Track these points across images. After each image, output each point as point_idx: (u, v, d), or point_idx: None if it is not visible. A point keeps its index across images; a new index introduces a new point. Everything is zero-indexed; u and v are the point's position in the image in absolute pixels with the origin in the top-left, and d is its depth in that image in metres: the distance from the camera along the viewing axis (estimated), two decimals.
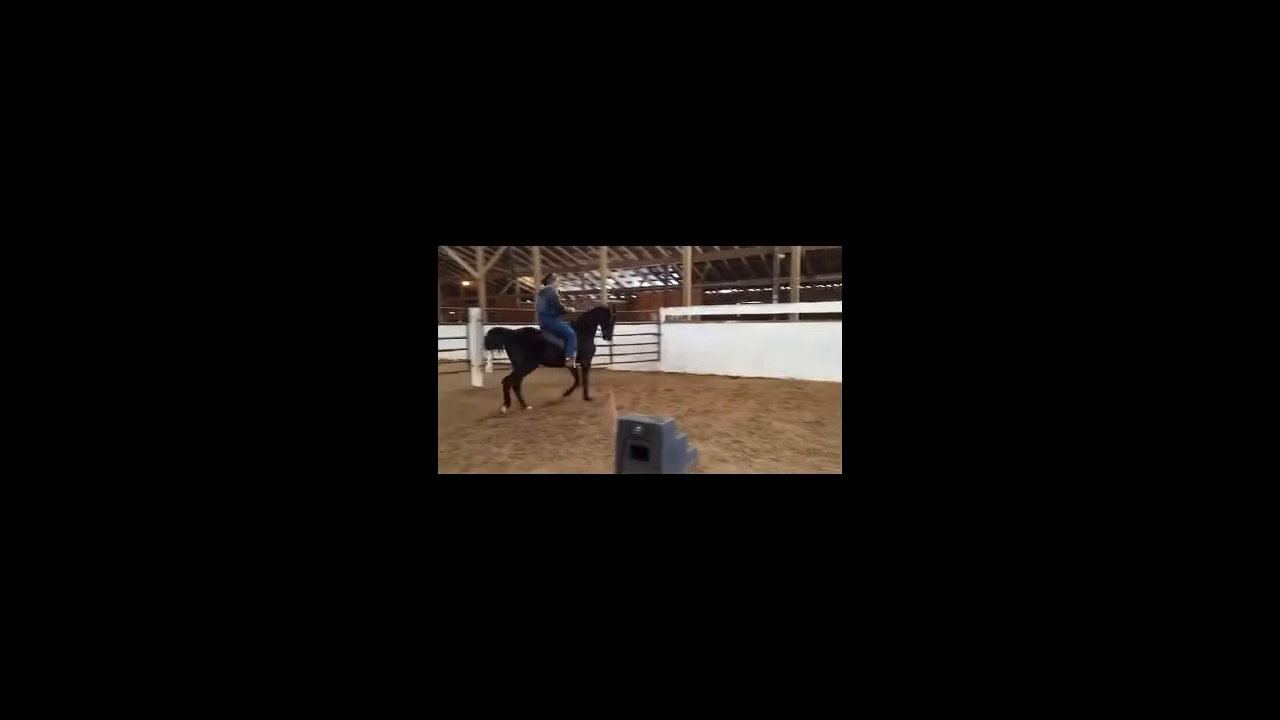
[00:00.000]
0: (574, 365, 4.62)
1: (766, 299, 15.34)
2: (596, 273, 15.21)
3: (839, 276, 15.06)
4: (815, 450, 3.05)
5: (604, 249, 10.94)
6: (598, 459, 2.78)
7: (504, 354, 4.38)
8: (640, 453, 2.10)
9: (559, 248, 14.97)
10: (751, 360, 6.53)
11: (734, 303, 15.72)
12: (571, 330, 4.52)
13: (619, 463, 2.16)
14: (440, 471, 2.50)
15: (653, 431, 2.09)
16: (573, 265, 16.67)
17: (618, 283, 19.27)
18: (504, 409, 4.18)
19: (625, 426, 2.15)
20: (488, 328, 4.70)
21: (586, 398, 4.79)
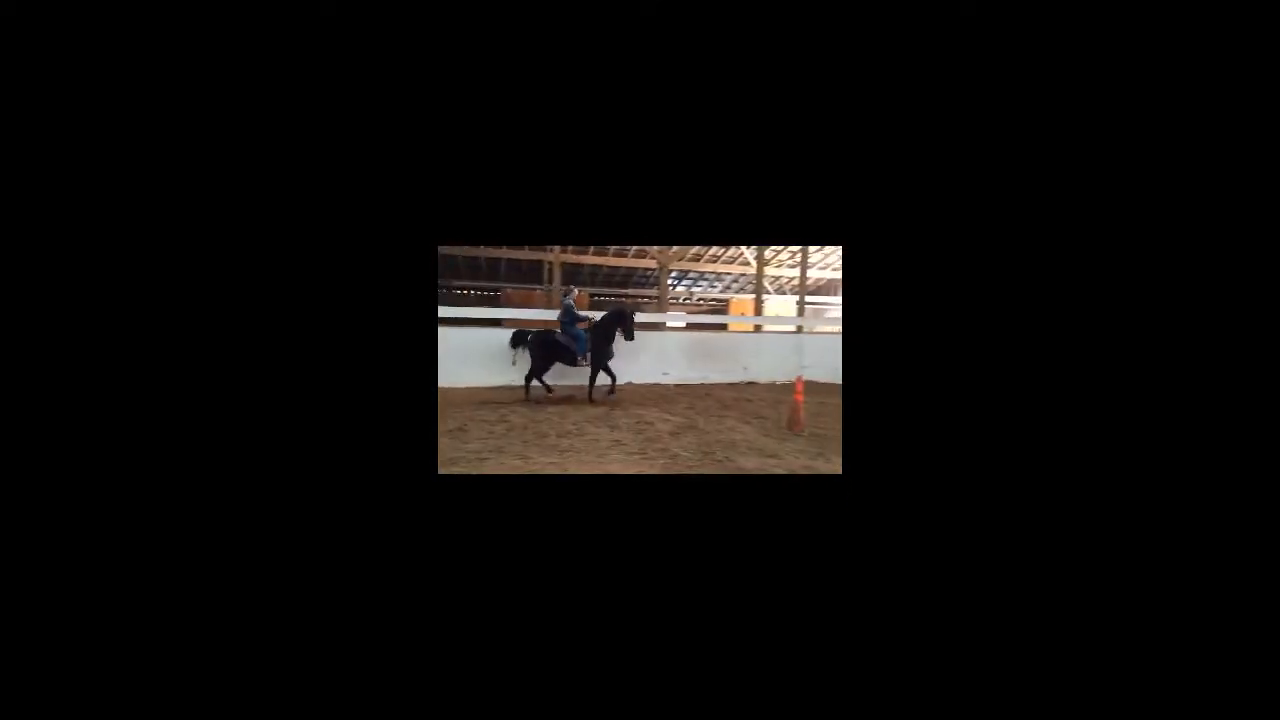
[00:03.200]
0: (585, 364, 5.02)
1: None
2: None
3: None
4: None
5: None
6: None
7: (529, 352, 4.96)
8: None
9: None
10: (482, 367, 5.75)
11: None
12: (582, 334, 5.02)
13: None
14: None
15: None
16: None
17: None
18: (525, 398, 4.94)
19: None
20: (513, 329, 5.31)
21: (590, 399, 5.02)
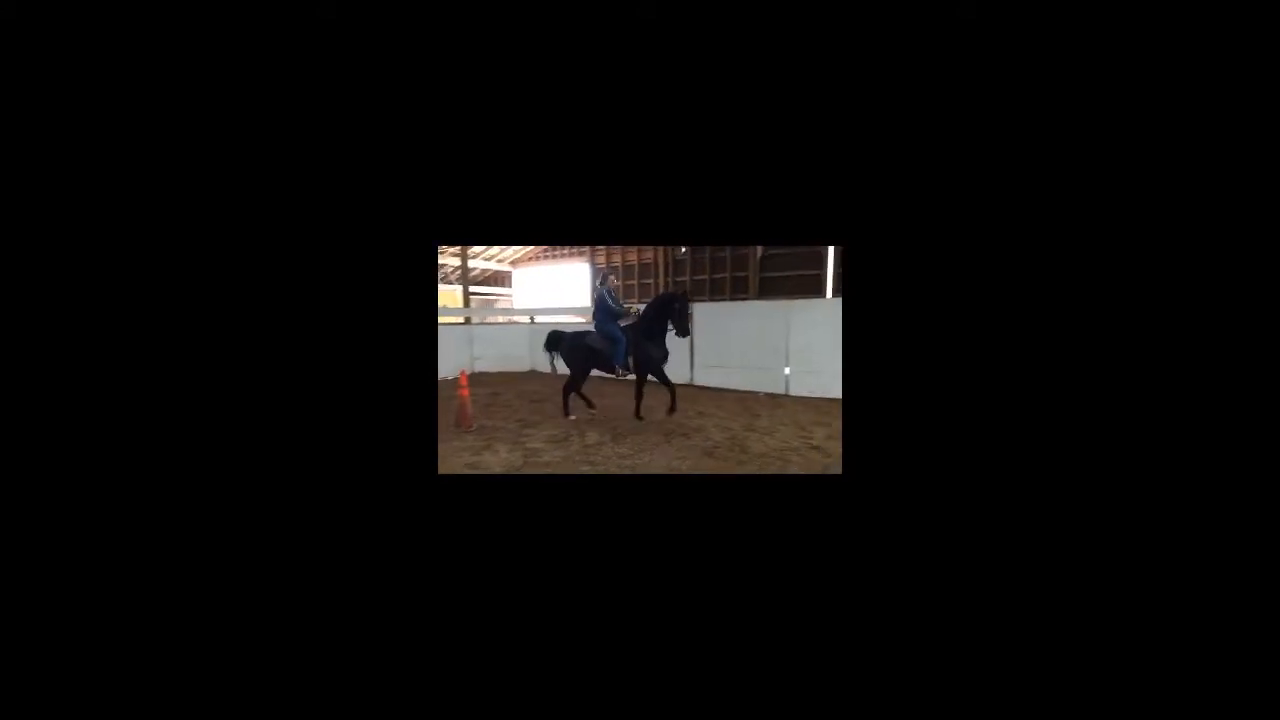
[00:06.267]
0: (623, 374, 3.90)
1: None
2: None
3: None
4: None
5: None
6: None
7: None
8: None
9: None
10: None
11: None
12: (620, 335, 3.82)
13: None
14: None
15: None
16: None
17: None
18: (570, 416, 4.04)
19: None
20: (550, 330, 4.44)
21: (638, 415, 3.89)
